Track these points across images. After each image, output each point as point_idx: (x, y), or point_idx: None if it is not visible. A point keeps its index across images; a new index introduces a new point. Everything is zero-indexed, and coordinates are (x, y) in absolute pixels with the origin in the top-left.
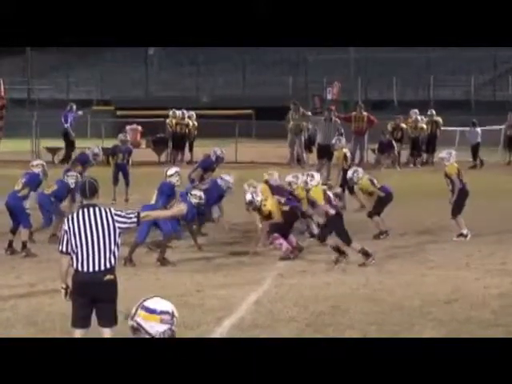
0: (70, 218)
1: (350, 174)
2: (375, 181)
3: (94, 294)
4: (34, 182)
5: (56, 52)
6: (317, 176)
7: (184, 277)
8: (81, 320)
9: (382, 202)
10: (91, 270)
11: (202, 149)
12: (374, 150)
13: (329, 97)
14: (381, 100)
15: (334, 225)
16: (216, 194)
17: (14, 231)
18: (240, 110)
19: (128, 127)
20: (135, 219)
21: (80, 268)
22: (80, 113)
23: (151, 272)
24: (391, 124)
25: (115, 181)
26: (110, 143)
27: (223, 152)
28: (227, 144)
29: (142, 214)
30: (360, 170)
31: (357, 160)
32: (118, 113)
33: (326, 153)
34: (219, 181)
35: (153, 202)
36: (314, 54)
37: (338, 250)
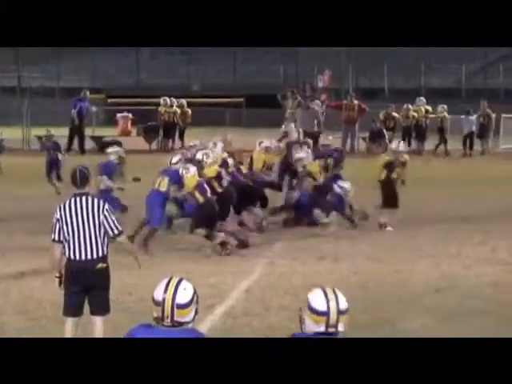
0: (61, 206)
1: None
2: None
3: (86, 282)
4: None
5: None
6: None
7: (175, 264)
8: (73, 308)
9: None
10: (83, 258)
11: (193, 137)
12: (364, 139)
13: (320, 85)
14: (372, 88)
15: None
16: None
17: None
18: (231, 98)
19: (119, 115)
20: (116, 232)
21: (72, 256)
22: (94, 109)
23: (141, 260)
24: (383, 113)
25: (47, 175)
26: (100, 131)
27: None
28: (217, 132)
29: (122, 237)
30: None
31: (348, 149)
32: (109, 101)
33: None
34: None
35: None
36: None
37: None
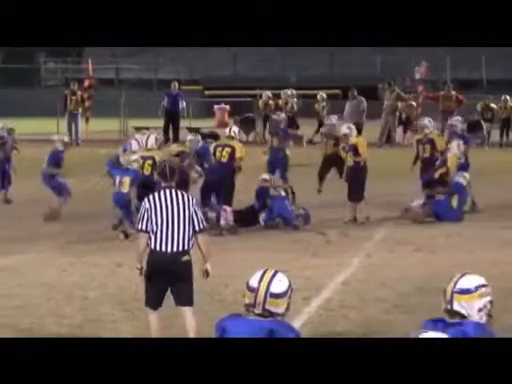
0: (151, 197)
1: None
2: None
3: (170, 274)
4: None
5: None
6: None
7: (271, 256)
8: (155, 301)
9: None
10: (169, 250)
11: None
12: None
13: (417, 76)
14: (469, 79)
15: None
16: None
17: None
18: (327, 89)
19: (216, 107)
20: (202, 227)
21: (158, 248)
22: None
23: (237, 251)
24: (481, 104)
25: None
26: (198, 123)
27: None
28: (315, 123)
29: (204, 235)
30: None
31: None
32: (206, 92)
33: None
34: None
35: None
36: None
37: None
